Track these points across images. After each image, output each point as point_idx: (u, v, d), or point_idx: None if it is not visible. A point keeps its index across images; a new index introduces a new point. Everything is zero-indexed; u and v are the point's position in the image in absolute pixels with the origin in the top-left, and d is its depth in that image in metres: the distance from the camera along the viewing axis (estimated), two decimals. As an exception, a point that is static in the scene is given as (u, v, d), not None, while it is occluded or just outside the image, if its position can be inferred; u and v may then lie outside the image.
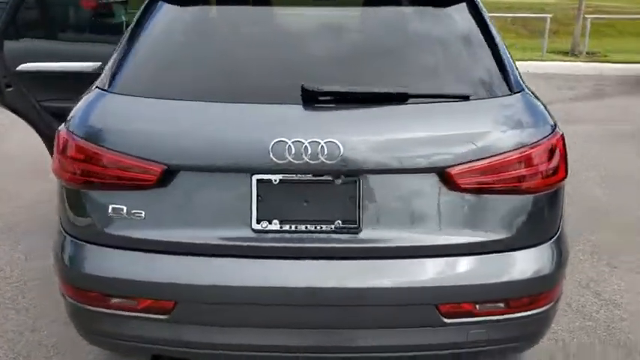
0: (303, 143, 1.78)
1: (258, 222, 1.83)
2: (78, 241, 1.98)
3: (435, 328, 1.88)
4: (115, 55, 2.10)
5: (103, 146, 1.87)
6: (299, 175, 1.82)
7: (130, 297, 1.90)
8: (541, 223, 1.93)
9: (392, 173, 1.83)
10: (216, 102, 1.91)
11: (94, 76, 2.98)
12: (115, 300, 1.92)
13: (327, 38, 2.10)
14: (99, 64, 3.18)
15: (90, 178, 1.89)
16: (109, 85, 2.01)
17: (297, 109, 1.86)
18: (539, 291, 1.93)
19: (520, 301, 1.90)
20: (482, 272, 1.87)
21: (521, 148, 1.86)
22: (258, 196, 1.83)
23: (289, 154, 1.78)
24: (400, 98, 1.88)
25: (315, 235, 1.84)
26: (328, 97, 1.86)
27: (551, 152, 1.89)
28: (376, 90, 1.87)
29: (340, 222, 1.83)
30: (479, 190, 1.83)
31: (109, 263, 1.92)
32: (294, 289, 1.82)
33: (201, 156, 1.83)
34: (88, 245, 1.95)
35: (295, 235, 1.84)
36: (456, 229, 1.85)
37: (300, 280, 1.83)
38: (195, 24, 2.18)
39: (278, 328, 1.88)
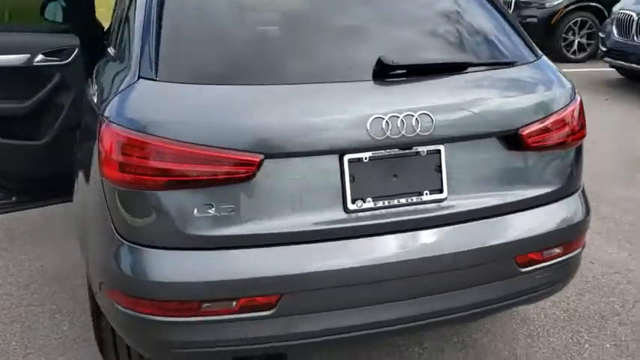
0: (399, 117, 1.80)
1: (353, 202, 1.82)
2: (152, 250, 1.79)
3: (513, 279, 2.03)
4: (147, 40, 1.89)
5: (189, 142, 1.70)
6: (388, 150, 1.84)
7: (228, 299, 1.78)
8: (576, 173, 2.17)
9: (470, 139, 1.92)
10: (297, 84, 1.83)
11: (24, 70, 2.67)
12: (208, 305, 1.78)
13: (385, 13, 2.09)
14: (27, 56, 2.82)
15: (175, 177, 1.72)
16: (163, 75, 1.82)
17: (381, 84, 1.87)
18: (580, 234, 2.17)
19: (570, 245, 2.13)
20: (546, 221, 2.06)
21: (563, 106, 2.06)
22: (350, 175, 1.81)
23: (387, 129, 1.79)
24: (463, 67, 1.98)
25: (406, 208, 1.88)
26: (406, 70, 1.89)
27: (580, 110, 2.13)
28: (447, 60, 1.95)
29: (428, 192, 1.89)
30: (541, 148, 2.00)
31: (199, 267, 1.78)
32: (395, 263, 1.85)
33: (298, 141, 1.77)
34: (170, 252, 1.78)
35: (388, 211, 1.86)
36: (524, 185, 2.01)
37: (401, 254, 1.86)
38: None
39: (380, 303, 1.90)
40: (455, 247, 1.90)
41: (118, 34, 2.38)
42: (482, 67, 2.02)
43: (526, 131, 1.94)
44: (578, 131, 2.10)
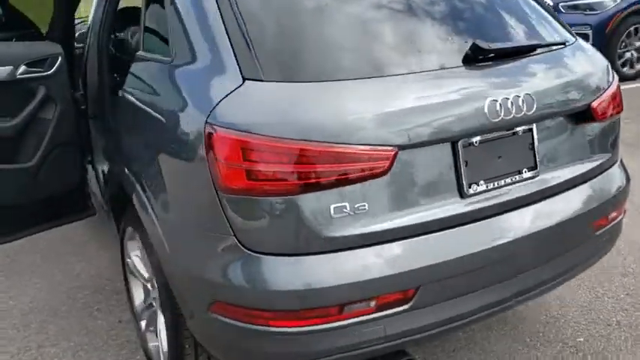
0: (508, 99, 1.86)
1: (469, 186, 1.86)
2: (289, 258, 1.70)
3: (588, 242, 2.18)
4: (241, 40, 1.78)
5: (324, 142, 1.63)
6: (494, 133, 1.90)
7: (368, 299, 1.74)
8: (618, 143, 2.38)
9: (555, 117, 2.03)
10: (402, 74, 1.82)
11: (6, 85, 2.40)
12: (349, 308, 1.73)
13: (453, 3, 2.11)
14: (9, 68, 2.54)
15: (312, 180, 1.64)
16: (270, 75, 1.73)
17: (476, 69, 1.91)
18: (626, 198, 2.38)
19: (621, 208, 2.33)
20: (608, 187, 2.23)
21: (612, 80, 2.25)
22: (464, 160, 1.85)
23: (500, 111, 1.84)
24: (533, 49, 2.08)
25: (510, 187, 1.95)
26: (494, 54, 1.95)
27: (618, 86, 2.34)
28: (528, 43, 2.04)
29: (526, 169, 1.98)
30: (602, 119, 2.16)
31: (340, 269, 1.71)
32: (513, 241, 1.91)
33: (425, 130, 1.76)
34: (308, 257, 1.70)
35: (498, 192, 1.92)
36: (590, 156, 2.15)
37: (517, 231, 1.92)
38: None
39: (500, 282, 1.95)
40: (557, 218, 2.00)
41: (160, 35, 2.20)
42: (548, 49, 2.13)
43: (594, 105, 2.09)
44: (620, 103, 2.29)
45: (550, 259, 2.05)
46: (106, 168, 3.11)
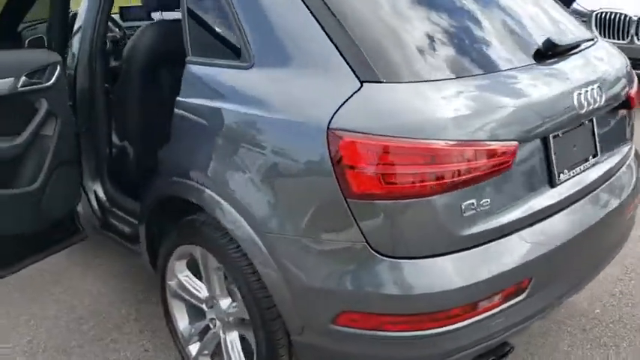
0: (588, 91, 1.99)
1: (558, 176, 1.97)
2: (427, 260, 1.70)
3: (625, 225, 2.37)
4: (349, 41, 1.75)
5: (456, 140, 1.64)
6: (573, 124, 2.02)
7: (496, 293, 1.78)
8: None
9: (609, 106, 2.18)
10: (500, 71, 1.87)
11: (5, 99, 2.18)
12: (482, 304, 1.77)
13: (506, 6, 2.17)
14: (10, 80, 2.30)
15: (444, 180, 1.64)
16: (388, 76, 1.71)
17: (549, 65, 2.01)
18: None
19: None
20: (635, 170, 2.45)
21: (631, 70, 2.47)
22: (554, 152, 1.95)
23: (584, 103, 1.97)
24: (582, 44, 2.24)
25: (585, 174, 2.07)
26: (565, 50, 2.08)
27: None
28: (578, 39, 2.18)
29: (591, 156, 2.13)
30: (633, 107, 2.38)
31: (472, 267, 1.74)
32: (594, 224, 2.03)
33: (535, 125, 1.84)
34: (441, 258, 1.71)
35: (577, 179, 2.04)
36: (626, 139, 2.36)
37: (595, 215, 2.06)
38: None
39: (582, 264, 2.08)
40: (617, 201, 2.16)
41: (221, 38, 2.07)
42: (590, 43, 2.29)
43: (631, 93, 2.29)
44: None
45: (610, 241, 2.21)
46: (99, 188, 2.86)
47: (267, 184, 1.80)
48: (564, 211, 1.96)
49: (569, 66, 2.05)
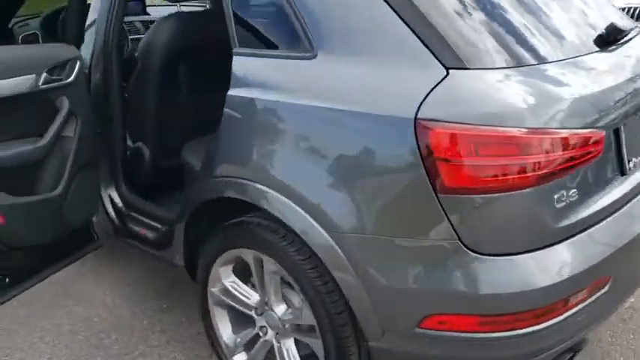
0: None
1: (628, 164, 1.93)
2: (522, 256, 1.62)
3: None
4: (428, 28, 1.66)
5: (549, 129, 1.57)
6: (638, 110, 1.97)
7: (585, 287, 1.72)
8: None
9: None
10: (574, 57, 1.81)
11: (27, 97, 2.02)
12: (573, 298, 1.70)
13: None
14: (32, 77, 2.13)
15: (540, 170, 1.56)
16: (473, 63, 1.62)
17: (612, 51, 1.97)
18: None
19: None
20: None
21: None
22: (625, 139, 1.91)
23: None
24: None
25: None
26: (625, 36, 2.03)
27: None
28: (632, 27, 2.14)
29: None
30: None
31: (566, 261, 1.67)
32: None
33: (616, 111, 1.78)
34: (538, 253, 1.64)
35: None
36: None
37: None
38: None
39: None
40: None
41: (271, 28, 1.94)
42: (637, 31, 2.25)
43: None
44: None
45: None
46: (114, 192, 2.69)
47: (342, 182, 1.68)
48: (637, 198, 1.91)
49: (631, 52, 2.00)
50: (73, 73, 2.28)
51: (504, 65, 1.64)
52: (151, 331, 2.65)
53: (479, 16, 1.75)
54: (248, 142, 1.90)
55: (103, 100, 2.58)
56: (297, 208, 1.76)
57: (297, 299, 2.00)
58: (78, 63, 2.30)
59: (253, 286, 2.15)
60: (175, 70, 2.72)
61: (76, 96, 2.30)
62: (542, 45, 1.78)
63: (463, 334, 1.65)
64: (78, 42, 2.49)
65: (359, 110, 1.66)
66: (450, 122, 1.53)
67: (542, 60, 1.72)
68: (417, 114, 1.55)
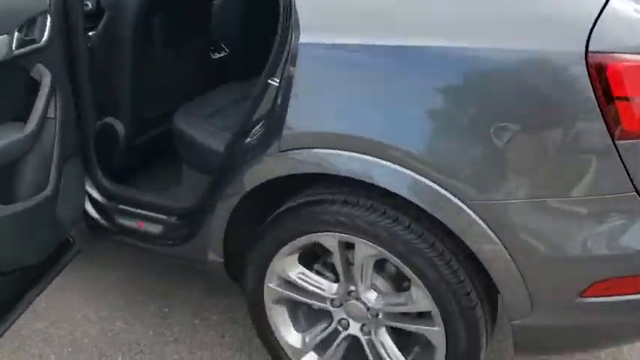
0: None
1: None
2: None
3: None
4: None
5: None
6: None
7: None
8: None
9: None
10: None
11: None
12: None
13: None
14: (4, 38, 1.63)
15: None
16: None
17: None
18: None
19: None
20: None
21: None
22: None
23: None
24: None
25: None
26: None
27: None
28: None
29: None
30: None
31: None
32: None
33: None
34: None
35: None
36: None
37: None
38: None
39: None
40: None
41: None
42: None
43: None
44: None
45: None
46: (88, 183, 2.18)
47: (486, 137, 1.38)
48: None
49: None
50: (45, 31, 1.70)
51: None
52: (176, 341, 2.20)
53: None
54: (352, 104, 1.51)
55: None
56: (422, 178, 1.44)
57: (383, 284, 1.71)
58: (48, 18, 1.72)
59: (319, 275, 1.80)
60: (150, 21, 2.20)
61: (53, 64, 1.73)
62: None
63: (628, 297, 1.45)
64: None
65: (502, 47, 1.35)
66: (629, 54, 1.27)
67: None
68: (587, 46, 1.27)
